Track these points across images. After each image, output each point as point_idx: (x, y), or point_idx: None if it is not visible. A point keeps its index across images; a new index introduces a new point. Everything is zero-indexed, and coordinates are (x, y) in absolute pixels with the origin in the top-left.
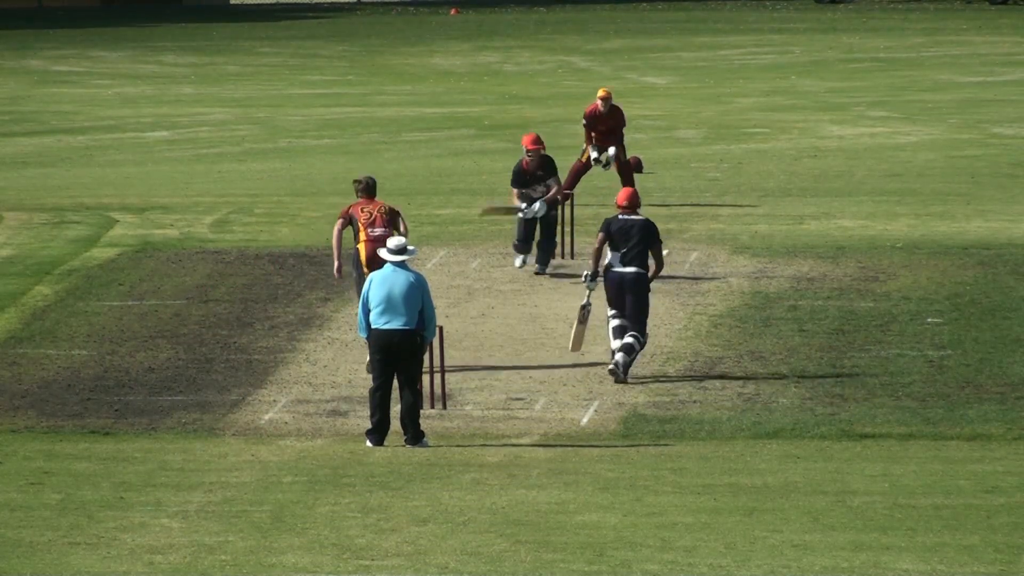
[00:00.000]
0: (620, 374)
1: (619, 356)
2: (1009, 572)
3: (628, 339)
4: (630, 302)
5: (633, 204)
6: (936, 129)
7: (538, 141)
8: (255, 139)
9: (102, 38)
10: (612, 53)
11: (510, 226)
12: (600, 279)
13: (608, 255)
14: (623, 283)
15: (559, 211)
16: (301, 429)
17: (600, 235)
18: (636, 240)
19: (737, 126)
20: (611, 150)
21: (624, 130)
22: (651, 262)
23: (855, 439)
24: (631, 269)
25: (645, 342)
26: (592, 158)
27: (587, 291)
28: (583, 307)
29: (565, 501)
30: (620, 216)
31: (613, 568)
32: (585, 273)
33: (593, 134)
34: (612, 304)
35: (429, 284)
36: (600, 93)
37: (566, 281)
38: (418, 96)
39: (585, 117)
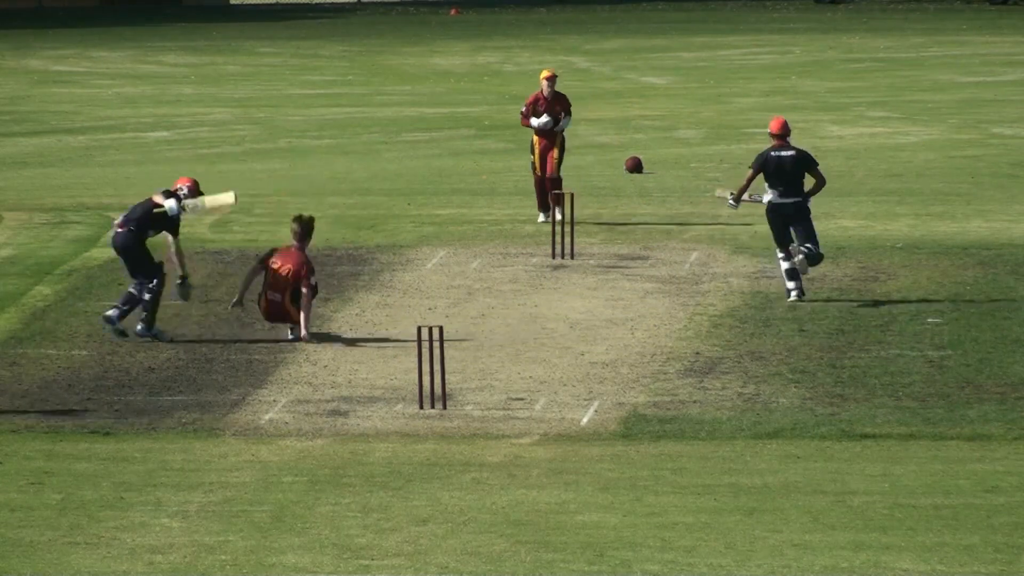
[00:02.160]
0: (803, 291)
1: (791, 286)
2: (1009, 572)
3: (803, 250)
4: (798, 231)
5: (785, 132)
6: (936, 129)
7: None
8: (255, 139)
9: (102, 38)
10: (612, 53)
11: (510, 226)
12: (740, 205)
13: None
14: (785, 215)
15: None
16: (301, 429)
17: (751, 171)
18: (791, 175)
19: (737, 126)
20: (562, 123)
21: (568, 120)
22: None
23: (855, 439)
24: (790, 200)
25: (821, 255)
26: (538, 124)
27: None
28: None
29: (565, 501)
30: (773, 153)
31: (613, 568)
32: (730, 193)
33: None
34: (778, 240)
35: (429, 284)
36: (544, 73)
37: (566, 281)
38: (418, 96)
39: (525, 107)
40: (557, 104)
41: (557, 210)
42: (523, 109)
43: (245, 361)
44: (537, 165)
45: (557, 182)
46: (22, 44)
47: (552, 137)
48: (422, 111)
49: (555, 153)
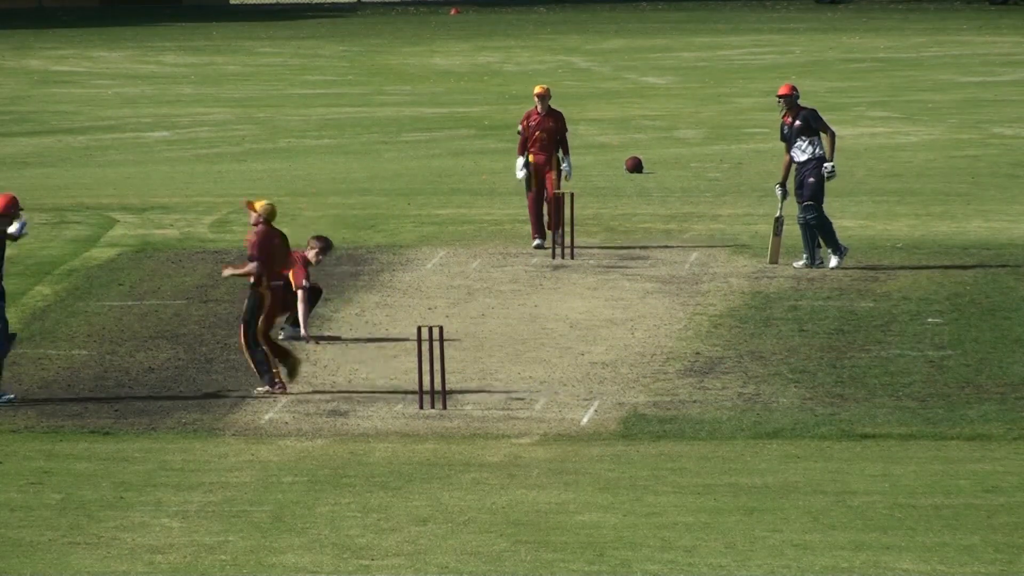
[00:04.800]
0: None
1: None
2: (1009, 572)
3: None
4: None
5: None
6: (936, 129)
7: None
8: (255, 139)
9: (102, 38)
10: (612, 53)
11: (510, 226)
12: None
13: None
14: None
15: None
16: (301, 429)
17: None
18: None
19: (737, 126)
20: (564, 168)
21: (568, 141)
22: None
23: (855, 439)
24: None
25: None
26: (521, 176)
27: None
28: (777, 219)
29: (565, 501)
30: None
31: (613, 568)
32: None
33: (529, 146)
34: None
35: (429, 284)
36: (536, 90)
37: (566, 281)
38: (418, 96)
39: (521, 126)
40: (551, 121)
41: (554, 234)
42: (519, 128)
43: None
44: (532, 184)
45: (558, 200)
46: (22, 44)
47: (548, 158)
48: (422, 111)
49: (552, 175)
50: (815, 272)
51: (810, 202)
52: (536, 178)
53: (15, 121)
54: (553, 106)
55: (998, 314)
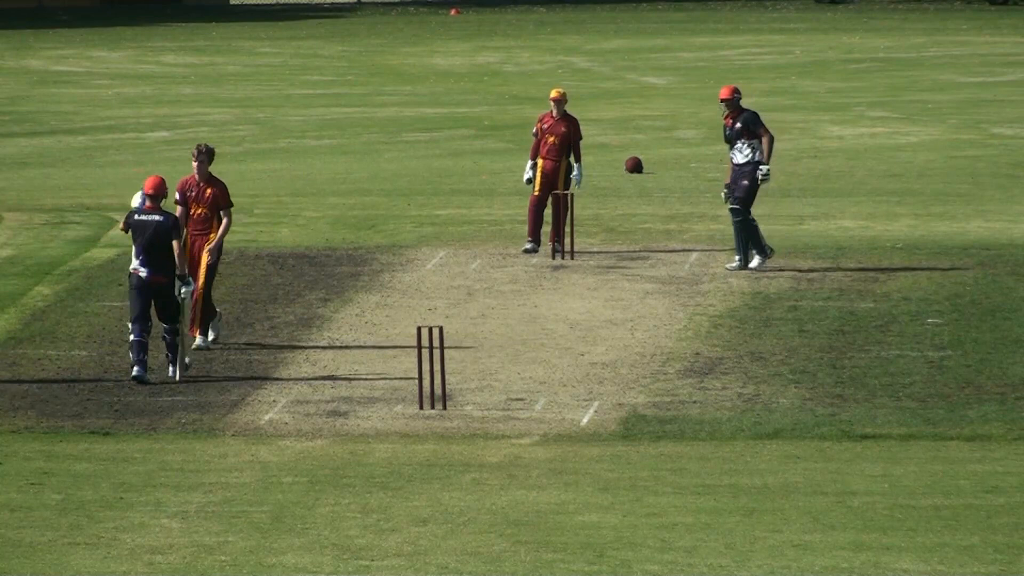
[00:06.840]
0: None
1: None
2: (1009, 572)
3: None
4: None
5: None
6: (936, 129)
7: None
8: (255, 139)
9: (102, 38)
10: (612, 53)
11: (510, 226)
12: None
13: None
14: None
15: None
16: (301, 429)
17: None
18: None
19: None
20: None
21: (580, 148)
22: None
23: (855, 439)
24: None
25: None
26: (526, 178)
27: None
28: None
29: (565, 501)
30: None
31: (613, 568)
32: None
33: (541, 150)
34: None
35: (429, 284)
36: (552, 94)
37: (566, 281)
38: (418, 96)
39: (536, 128)
40: (564, 126)
41: (554, 243)
42: (534, 131)
43: (245, 361)
44: (537, 186)
45: (560, 203)
46: (22, 44)
47: (558, 165)
48: (422, 111)
49: (559, 184)
50: (815, 272)
51: (736, 205)
52: (542, 185)
53: (15, 121)
54: (553, 110)
55: (998, 314)
